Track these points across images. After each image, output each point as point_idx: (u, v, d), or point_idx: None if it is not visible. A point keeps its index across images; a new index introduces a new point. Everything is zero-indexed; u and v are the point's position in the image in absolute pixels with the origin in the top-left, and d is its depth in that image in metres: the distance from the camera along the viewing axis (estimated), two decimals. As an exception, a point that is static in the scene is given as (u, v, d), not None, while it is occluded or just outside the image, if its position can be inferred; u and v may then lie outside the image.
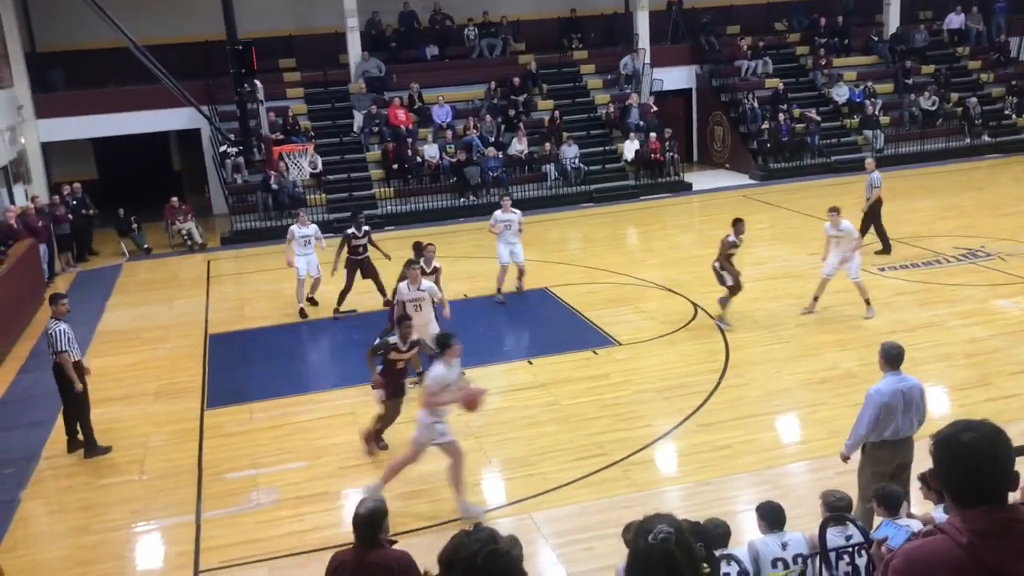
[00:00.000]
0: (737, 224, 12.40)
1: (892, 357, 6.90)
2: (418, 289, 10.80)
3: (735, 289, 12.48)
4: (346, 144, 22.33)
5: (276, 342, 13.43)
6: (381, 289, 13.96)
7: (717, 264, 12.53)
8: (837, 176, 22.17)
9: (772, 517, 5.80)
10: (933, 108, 24.26)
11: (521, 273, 14.58)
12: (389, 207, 20.85)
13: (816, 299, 12.83)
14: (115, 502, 8.90)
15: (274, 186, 20.24)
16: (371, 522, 4.77)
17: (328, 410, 10.73)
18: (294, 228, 14.42)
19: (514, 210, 14.53)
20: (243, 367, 12.54)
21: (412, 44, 24.68)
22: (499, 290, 14.48)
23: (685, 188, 22.51)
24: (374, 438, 9.33)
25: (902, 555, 2.44)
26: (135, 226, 19.95)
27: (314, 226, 14.83)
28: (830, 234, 12.67)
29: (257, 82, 13.43)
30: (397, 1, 24.71)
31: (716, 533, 5.47)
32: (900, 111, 24.38)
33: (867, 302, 12.59)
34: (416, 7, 25.07)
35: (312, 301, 14.66)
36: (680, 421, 9.82)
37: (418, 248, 12.21)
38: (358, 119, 22.55)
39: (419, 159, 21.58)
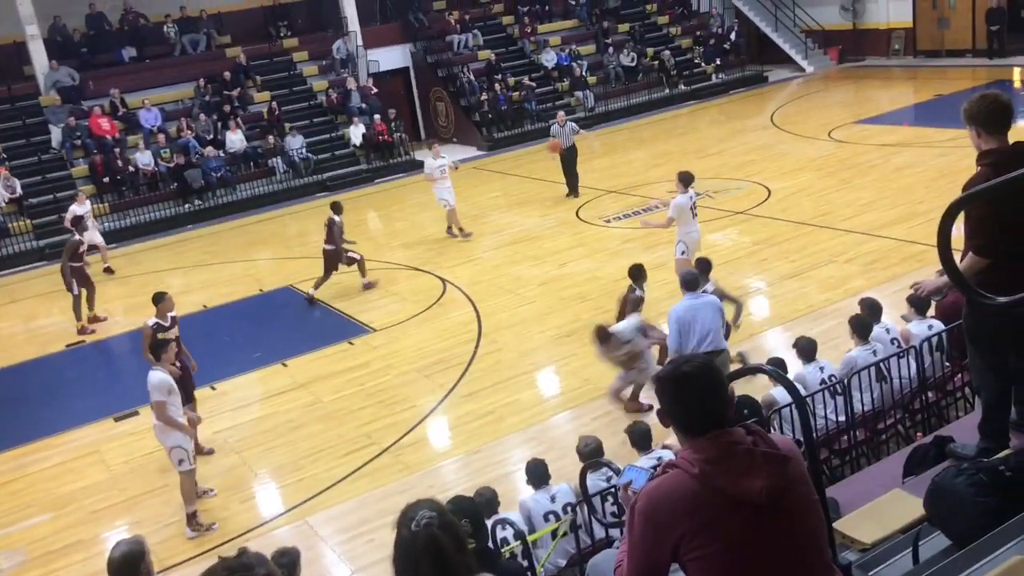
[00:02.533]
0: None
1: (686, 282, 8.01)
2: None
3: None
4: (46, 163, 20.42)
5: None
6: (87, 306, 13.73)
7: None
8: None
9: (536, 474, 6.03)
10: (633, 64, 25.95)
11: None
12: (107, 224, 19.28)
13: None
14: None
15: (-32, 218, 18.22)
16: (126, 565, 4.45)
17: (69, 452, 9.85)
18: (74, 207, 15.83)
19: (443, 153, 16.21)
20: (-39, 424, 11.21)
21: (106, 47, 22.94)
22: (461, 229, 15.80)
23: (417, 167, 22.62)
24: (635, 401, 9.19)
25: (643, 496, 2.58)
26: None
27: (88, 202, 16.70)
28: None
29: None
30: (82, 3, 22.84)
31: (483, 501, 5.59)
32: (604, 70, 25.86)
33: None
34: (104, 8, 23.31)
35: (108, 270, 16.30)
36: (443, 396, 9.95)
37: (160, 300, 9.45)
38: (56, 134, 20.71)
39: (132, 168, 20.18)
